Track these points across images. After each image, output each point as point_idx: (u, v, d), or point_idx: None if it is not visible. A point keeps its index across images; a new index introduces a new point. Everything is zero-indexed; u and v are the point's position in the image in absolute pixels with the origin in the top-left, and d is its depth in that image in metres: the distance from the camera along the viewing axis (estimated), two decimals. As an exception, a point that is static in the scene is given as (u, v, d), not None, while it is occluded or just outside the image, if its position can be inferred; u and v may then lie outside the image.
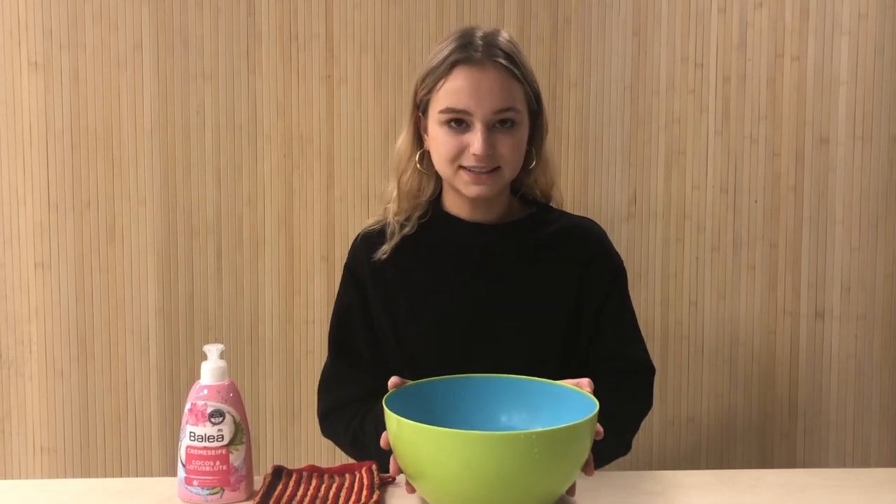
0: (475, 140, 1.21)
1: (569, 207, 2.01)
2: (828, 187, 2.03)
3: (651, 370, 1.36)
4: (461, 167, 1.24)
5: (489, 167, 1.23)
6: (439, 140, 1.25)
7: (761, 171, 2.03)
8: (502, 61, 1.23)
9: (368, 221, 1.40)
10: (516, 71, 1.24)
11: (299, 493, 1.09)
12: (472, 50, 1.23)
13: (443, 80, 1.23)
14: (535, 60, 2.01)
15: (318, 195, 2.04)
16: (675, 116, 2.03)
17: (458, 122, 1.23)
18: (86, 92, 2.01)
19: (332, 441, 1.38)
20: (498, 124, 1.23)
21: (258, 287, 2.05)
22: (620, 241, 2.03)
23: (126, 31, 2.00)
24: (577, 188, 2.04)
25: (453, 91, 1.22)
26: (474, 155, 1.22)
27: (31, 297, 2.05)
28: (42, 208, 2.03)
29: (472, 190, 1.25)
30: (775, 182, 2.04)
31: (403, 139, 1.33)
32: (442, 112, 1.24)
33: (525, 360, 1.24)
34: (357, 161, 2.03)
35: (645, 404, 1.35)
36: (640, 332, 1.37)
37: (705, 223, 2.05)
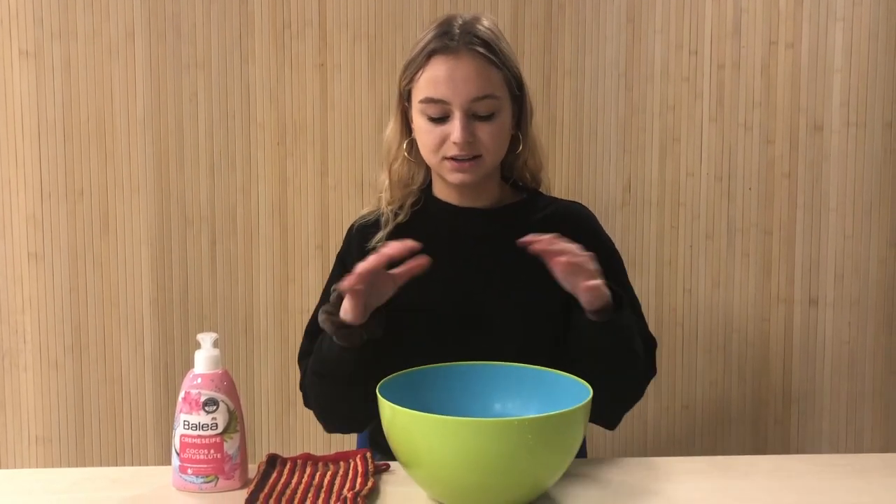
0: (454, 129, 1.22)
1: (562, 195, 2.00)
2: (822, 174, 2.03)
3: (653, 342, 1.36)
4: (444, 157, 1.25)
5: (470, 155, 1.24)
6: (422, 131, 1.26)
7: (755, 159, 2.03)
8: (478, 48, 1.23)
9: (363, 211, 1.40)
10: (493, 57, 1.23)
11: (294, 482, 1.10)
12: (448, 39, 1.23)
13: (421, 70, 1.24)
14: (529, 47, 2.00)
15: (311, 183, 2.03)
16: (669, 104, 2.03)
17: (438, 113, 1.24)
18: (78, 81, 2.00)
19: (315, 406, 1.34)
20: (477, 113, 1.23)
21: (252, 276, 2.05)
22: (615, 228, 2.03)
23: (118, 20, 1.99)
24: (571, 176, 2.04)
25: (431, 80, 1.23)
26: (454, 143, 1.22)
27: (25, 287, 2.04)
28: (35, 198, 2.03)
29: (456, 177, 1.26)
30: (769, 169, 2.04)
31: (391, 129, 1.34)
32: (421, 102, 1.25)
33: (518, 346, 1.24)
34: (351, 149, 2.03)
35: (649, 369, 1.35)
36: (639, 307, 1.37)
37: (699, 211, 2.05)
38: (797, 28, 2.00)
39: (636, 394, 1.32)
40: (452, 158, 1.24)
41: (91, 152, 2.02)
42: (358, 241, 1.35)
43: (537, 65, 2.01)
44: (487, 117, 1.23)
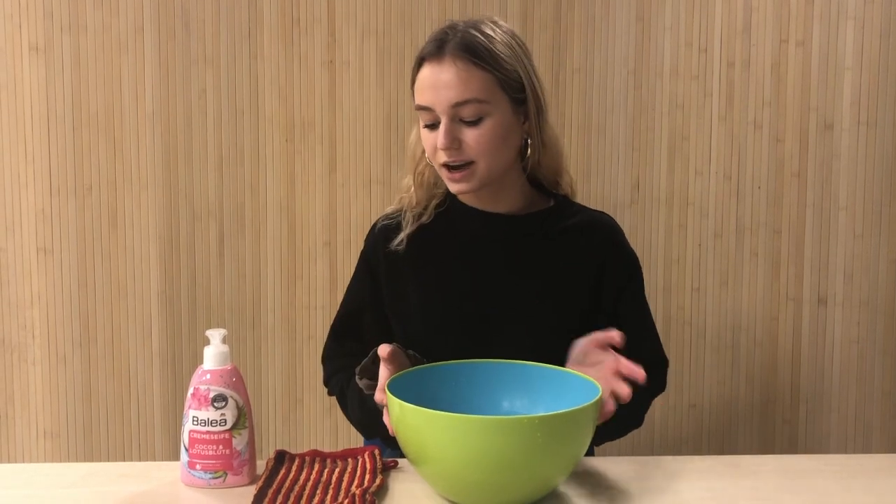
0: (438, 135, 1.21)
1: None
2: (832, 173, 2.02)
3: (666, 362, 1.36)
4: (440, 164, 1.24)
5: (458, 161, 1.22)
6: (422, 137, 1.27)
7: (765, 158, 2.03)
8: (461, 53, 1.21)
9: (387, 210, 1.39)
10: (479, 61, 1.21)
11: (302, 478, 1.10)
12: (435, 46, 1.23)
13: (415, 78, 1.25)
14: (538, 45, 2.00)
15: (320, 180, 2.03)
16: (678, 102, 2.02)
17: (429, 120, 1.24)
18: (87, 76, 2.01)
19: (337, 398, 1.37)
20: (463, 118, 1.22)
21: (260, 272, 2.05)
22: (623, 227, 2.01)
23: (127, 15, 1.99)
24: (580, 174, 2.04)
25: (419, 88, 1.24)
26: (440, 149, 1.22)
27: (34, 282, 2.05)
28: (44, 193, 2.03)
29: (452, 187, 1.25)
30: (779, 168, 2.03)
31: (414, 134, 1.34)
32: (416, 110, 1.25)
33: (531, 352, 1.22)
34: (359, 146, 2.03)
35: (658, 389, 1.35)
36: (654, 326, 1.37)
37: (708, 209, 2.04)
38: (808, 26, 1.99)
39: (628, 428, 1.31)
40: (446, 166, 1.24)
41: (100, 147, 2.02)
42: (380, 240, 1.35)
43: (546, 63, 2.00)
44: (474, 122, 1.22)
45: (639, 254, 2.02)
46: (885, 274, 2.04)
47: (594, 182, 2.04)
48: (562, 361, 1.22)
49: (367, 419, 1.24)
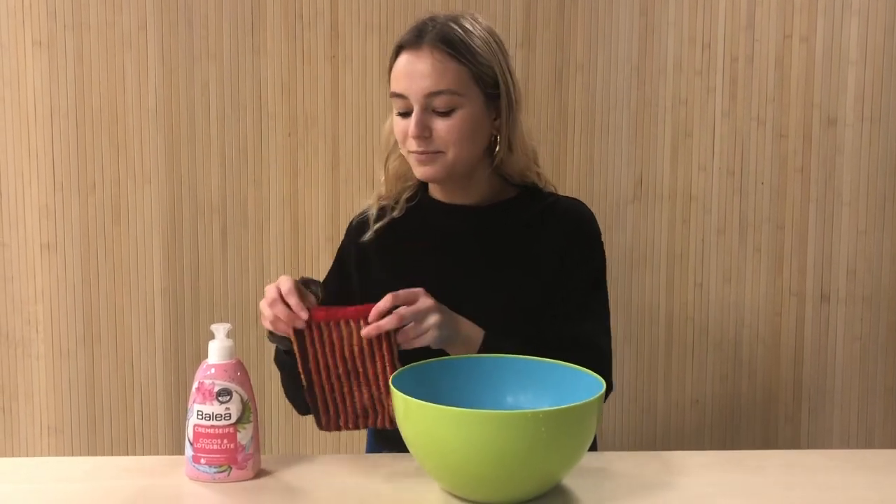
0: (410, 123, 1.23)
1: (573, 189, 2.02)
2: (835, 169, 2.02)
3: (595, 348, 1.27)
4: (409, 151, 1.25)
5: (428, 150, 1.24)
6: (394, 124, 1.28)
7: (768, 153, 2.03)
8: (439, 44, 1.23)
9: (364, 204, 1.40)
10: (456, 53, 1.22)
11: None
12: (414, 35, 1.25)
13: (392, 66, 1.27)
14: (541, 41, 2.00)
15: (322, 175, 2.03)
16: (681, 97, 2.02)
17: (402, 108, 1.25)
18: (90, 72, 2.01)
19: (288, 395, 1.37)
20: (436, 108, 1.23)
21: (263, 267, 2.05)
22: (626, 223, 2.03)
23: (130, 11, 1.99)
24: (582, 170, 2.04)
25: (395, 75, 1.26)
26: (411, 137, 1.23)
27: (38, 278, 2.05)
28: (47, 189, 2.03)
29: (419, 171, 1.26)
30: (782, 164, 2.03)
31: (388, 123, 1.34)
32: (390, 97, 1.27)
33: None
34: (362, 141, 2.03)
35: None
36: (603, 314, 1.32)
37: (711, 205, 2.04)
38: (812, 21, 1.99)
39: None
40: (415, 152, 1.24)
41: (103, 143, 2.03)
42: (353, 235, 1.36)
43: (549, 58, 2.00)
44: (446, 113, 1.23)
45: (641, 250, 2.04)
46: (888, 270, 2.04)
47: (597, 178, 2.04)
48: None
49: (284, 376, 1.28)
